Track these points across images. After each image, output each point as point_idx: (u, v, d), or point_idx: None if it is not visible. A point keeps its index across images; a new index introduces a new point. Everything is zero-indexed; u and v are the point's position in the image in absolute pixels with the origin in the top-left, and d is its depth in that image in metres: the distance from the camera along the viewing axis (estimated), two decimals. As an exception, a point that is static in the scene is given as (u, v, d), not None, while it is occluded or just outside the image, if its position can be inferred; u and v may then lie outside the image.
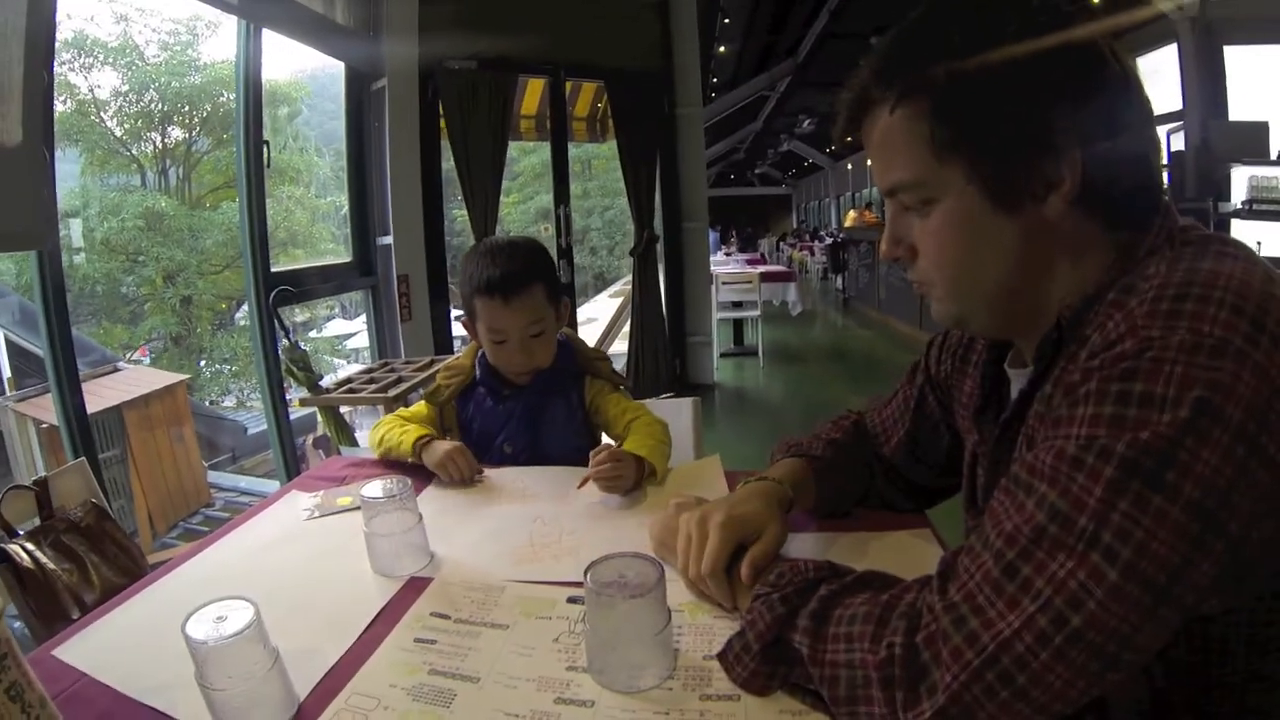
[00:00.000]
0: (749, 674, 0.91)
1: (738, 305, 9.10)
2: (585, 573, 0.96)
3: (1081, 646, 0.70)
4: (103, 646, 1.10)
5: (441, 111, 5.25)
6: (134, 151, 10.78)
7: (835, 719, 0.85)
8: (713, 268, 8.38)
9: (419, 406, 1.96)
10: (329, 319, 13.05)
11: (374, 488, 1.32)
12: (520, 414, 1.90)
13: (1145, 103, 0.90)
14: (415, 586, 1.23)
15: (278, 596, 1.16)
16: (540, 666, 0.99)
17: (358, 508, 1.49)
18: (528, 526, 1.45)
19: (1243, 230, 7.12)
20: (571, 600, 1.15)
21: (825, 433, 1.43)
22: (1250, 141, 7.33)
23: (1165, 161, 8.07)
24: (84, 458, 2.37)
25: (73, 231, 9.55)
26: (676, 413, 2.15)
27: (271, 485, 4.97)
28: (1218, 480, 0.69)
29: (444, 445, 1.74)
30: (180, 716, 0.92)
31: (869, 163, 1.00)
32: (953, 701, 0.74)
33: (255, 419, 9.47)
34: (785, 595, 0.92)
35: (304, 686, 0.96)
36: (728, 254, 14.52)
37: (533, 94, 7.03)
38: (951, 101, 0.87)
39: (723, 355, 8.91)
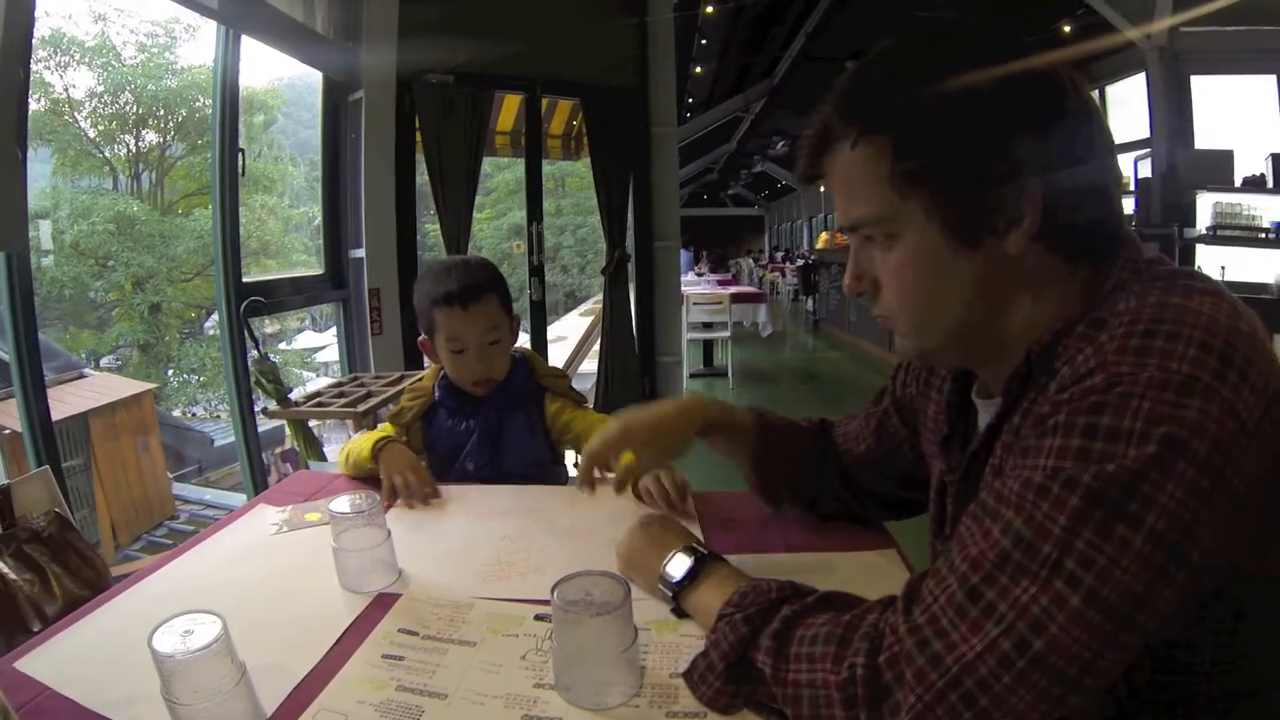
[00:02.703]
0: (713, 693, 0.93)
1: (708, 326, 9.13)
2: (552, 590, 0.97)
3: (1043, 670, 0.72)
4: (66, 659, 1.09)
5: (418, 125, 5.24)
6: (107, 154, 10.68)
7: None
8: (684, 288, 8.40)
9: (385, 428, 1.98)
10: (299, 331, 12.97)
11: (342, 503, 1.32)
12: (480, 431, 1.94)
13: (1105, 134, 0.91)
14: (383, 603, 1.23)
15: (244, 611, 1.15)
16: (508, 683, 1.00)
17: (326, 523, 1.50)
18: (495, 544, 1.45)
19: (1207, 255, 7.36)
20: (539, 618, 1.15)
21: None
22: (1215, 169, 7.57)
23: (1132, 188, 8.30)
24: (48, 466, 2.34)
25: (41, 233, 9.44)
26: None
27: (238, 498, 4.91)
28: (1182, 512, 0.71)
29: (400, 456, 1.77)
30: (143, 732, 0.91)
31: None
32: None
33: (222, 431, 9.36)
34: (748, 615, 0.93)
35: (270, 702, 0.96)
36: (699, 274, 14.55)
37: (509, 110, 7.04)
38: (912, 138, 0.88)
39: (692, 375, 8.92)
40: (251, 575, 1.36)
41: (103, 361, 10.12)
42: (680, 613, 1.13)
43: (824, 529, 1.44)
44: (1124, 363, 0.75)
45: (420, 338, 1.99)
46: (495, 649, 1.09)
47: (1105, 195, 0.92)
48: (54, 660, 1.09)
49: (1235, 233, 7.20)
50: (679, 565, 1.13)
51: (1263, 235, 7.10)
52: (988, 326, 0.94)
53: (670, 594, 1.13)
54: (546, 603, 1.06)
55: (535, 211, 6.29)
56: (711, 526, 1.46)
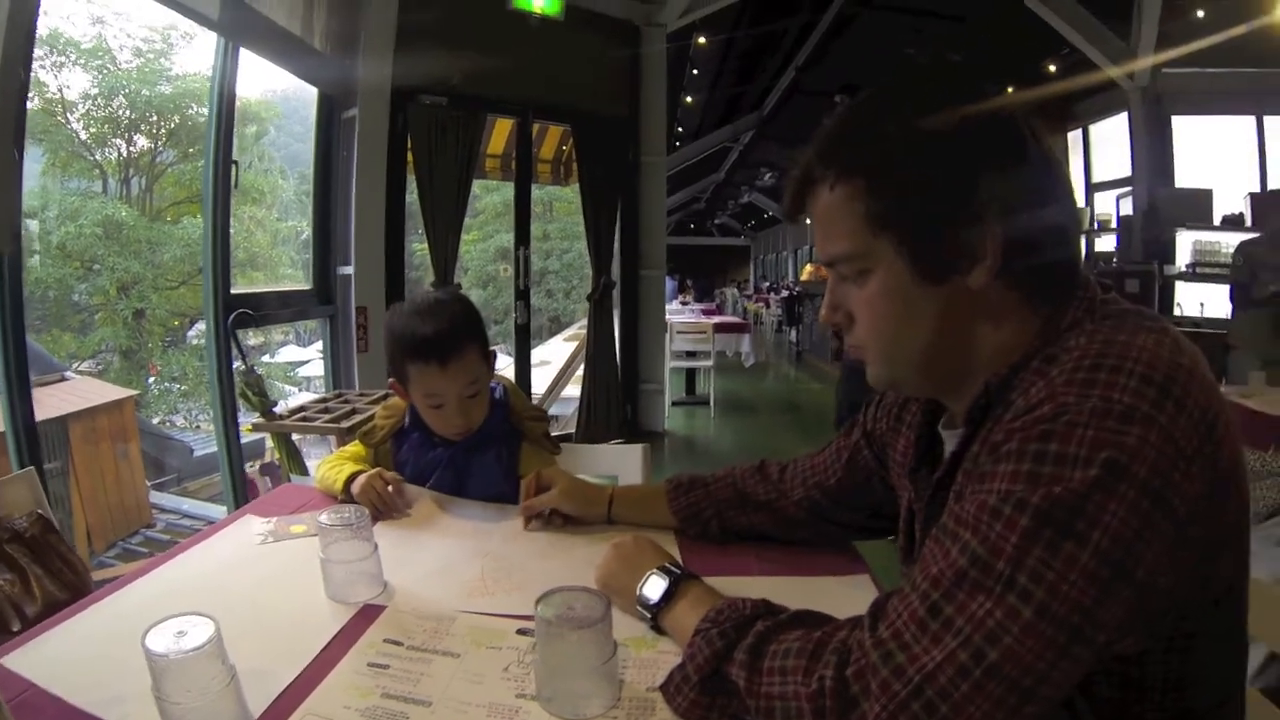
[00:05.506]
0: (688, 704, 0.97)
1: (691, 355, 9.15)
2: (536, 603, 1.01)
3: (999, 679, 0.77)
4: (52, 657, 1.11)
5: (410, 145, 5.29)
6: (97, 157, 10.59)
7: None
8: (668, 316, 8.45)
9: (355, 446, 1.97)
10: (282, 345, 12.88)
11: (332, 515, 1.35)
12: (447, 463, 1.88)
13: (1064, 180, 0.99)
14: (368, 614, 1.26)
15: (231, 617, 1.14)
16: (490, 694, 1.03)
17: (312, 535, 1.52)
18: (479, 561, 1.48)
19: (1187, 292, 7.59)
20: (521, 632, 1.18)
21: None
22: (1194, 207, 7.80)
23: (1114, 225, 8.49)
24: (32, 467, 2.34)
25: (28, 233, 9.34)
26: (626, 458, 2.19)
27: (217, 509, 4.87)
28: (1124, 531, 0.77)
29: (365, 474, 1.76)
30: (131, 731, 0.93)
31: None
32: None
33: (201, 440, 9.24)
34: (723, 630, 0.98)
35: (258, 706, 0.98)
36: (684, 303, 14.58)
37: (500, 133, 7.10)
38: (883, 182, 0.95)
39: (674, 404, 8.92)
40: (237, 584, 1.38)
41: (83, 366, 10.02)
42: (658, 630, 1.17)
43: (798, 554, 1.48)
44: (1070, 394, 0.82)
45: (390, 380, 1.88)
46: (478, 661, 1.11)
47: (1063, 238, 0.98)
48: (40, 658, 1.11)
49: (1214, 270, 7.36)
50: (655, 586, 1.17)
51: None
52: (952, 357, 1.00)
53: (648, 613, 1.17)
54: (528, 618, 1.10)
55: (523, 235, 6.34)
56: (688, 549, 1.49)
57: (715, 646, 0.96)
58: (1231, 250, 6.45)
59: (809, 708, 0.85)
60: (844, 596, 1.29)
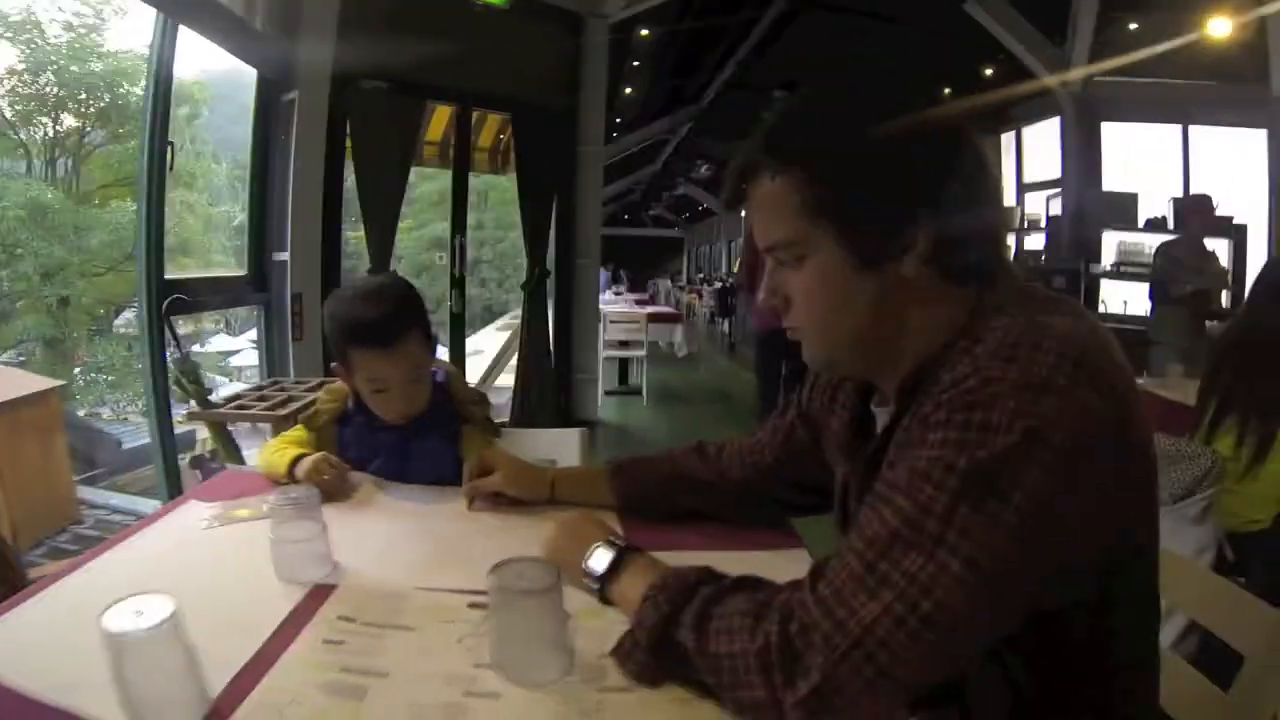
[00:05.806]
0: (639, 668, 1.02)
1: (624, 344, 9.18)
2: (489, 573, 1.05)
3: (933, 629, 0.84)
4: (2, 646, 1.10)
5: (349, 130, 5.24)
6: (22, 136, 10.19)
7: (721, 703, 0.96)
8: (602, 306, 8.50)
9: (298, 430, 1.98)
10: (213, 333, 12.61)
11: (281, 496, 1.37)
12: (390, 447, 1.90)
13: (992, 178, 1.07)
14: (320, 594, 1.27)
15: (182, 602, 1.08)
16: (447, 664, 1.06)
17: (258, 518, 1.54)
18: (425, 541, 1.52)
19: (1112, 290, 7.96)
20: (473, 605, 1.21)
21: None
22: (1120, 210, 8.09)
23: (1044, 225, 8.82)
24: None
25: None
26: (564, 443, 2.25)
27: (148, 503, 4.73)
28: (1043, 492, 0.85)
29: (311, 457, 1.77)
30: (90, 714, 0.93)
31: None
32: (825, 680, 0.85)
33: (130, 433, 8.97)
34: (670, 596, 1.03)
35: (215, 686, 0.98)
36: (617, 293, 14.62)
37: (438, 121, 7.04)
38: (823, 173, 1.01)
39: (607, 393, 8.94)
40: (185, 568, 1.38)
41: (3, 356, 9.64)
42: (605, 601, 1.21)
43: (737, 531, 1.54)
44: (993, 368, 0.90)
45: (334, 364, 1.90)
46: (433, 634, 1.14)
47: (990, 230, 1.08)
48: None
49: (1137, 269, 7.70)
50: (601, 558, 1.22)
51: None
52: (885, 339, 1.07)
53: (594, 585, 1.22)
54: (479, 593, 1.14)
55: (460, 224, 6.31)
56: (629, 527, 1.53)
57: (663, 612, 1.01)
58: (1153, 251, 6.71)
59: (755, 664, 0.91)
60: (782, 569, 1.31)
